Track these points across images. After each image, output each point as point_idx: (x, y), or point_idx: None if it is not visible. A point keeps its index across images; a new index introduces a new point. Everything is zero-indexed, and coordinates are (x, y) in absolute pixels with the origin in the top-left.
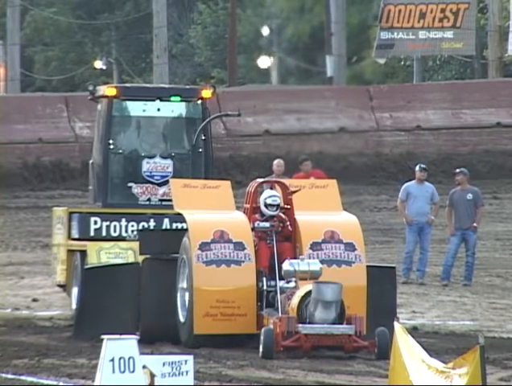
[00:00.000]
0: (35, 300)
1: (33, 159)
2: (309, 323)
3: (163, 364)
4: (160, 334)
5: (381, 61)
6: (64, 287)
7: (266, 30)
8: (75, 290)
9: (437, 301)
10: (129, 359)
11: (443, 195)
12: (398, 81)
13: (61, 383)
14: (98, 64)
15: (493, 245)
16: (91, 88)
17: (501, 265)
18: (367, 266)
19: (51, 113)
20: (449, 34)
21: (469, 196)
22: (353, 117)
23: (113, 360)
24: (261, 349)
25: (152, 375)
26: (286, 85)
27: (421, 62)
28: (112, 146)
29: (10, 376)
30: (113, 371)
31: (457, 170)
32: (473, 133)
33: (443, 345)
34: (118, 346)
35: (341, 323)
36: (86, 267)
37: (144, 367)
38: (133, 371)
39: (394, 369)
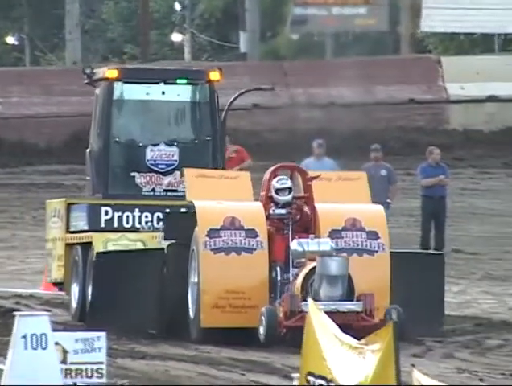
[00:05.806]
0: None
1: None
2: (314, 301)
3: (76, 341)
4: (185, 325)
5: (295, 37)
6: (61, 285)
7: (178, 6)
8: (75, 287)
9: None
10: (41, 335)
11: (357, 171)
12: (312, 57)
13: None
14: (10, 40)
15: (407, 221)
16: (88, 70)
17: (414, 241)
18: (413, 253)
19: None
20: (362, 10)
21: (383, 172)
22: (266, 93)
23: (25, 337)
24: (262, 331)
25: (65, 352)
26: (198, 61)
27: (334, 38)
28: (113, 133)
29: None
30: (26, 348)
31: (375, 147)
32: (386, 109)
33: None
34: (30, 323)
35: (351, 301)
36: (98, 251)
37: (56, 343)
38: (45, 348)
39: (308, 345)
